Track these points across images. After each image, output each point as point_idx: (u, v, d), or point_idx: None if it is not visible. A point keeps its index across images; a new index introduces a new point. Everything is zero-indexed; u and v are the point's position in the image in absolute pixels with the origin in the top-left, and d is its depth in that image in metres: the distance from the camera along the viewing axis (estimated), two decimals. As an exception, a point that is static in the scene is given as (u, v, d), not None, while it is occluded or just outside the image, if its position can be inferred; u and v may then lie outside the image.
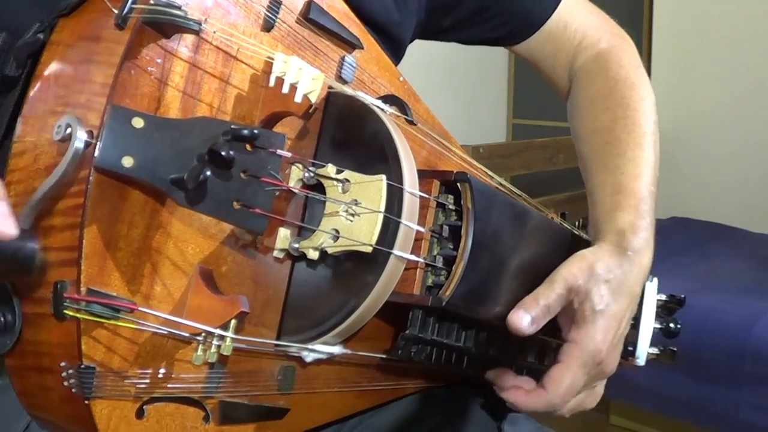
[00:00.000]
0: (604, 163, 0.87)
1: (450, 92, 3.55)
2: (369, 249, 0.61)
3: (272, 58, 0.62)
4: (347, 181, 0.63)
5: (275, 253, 0.65)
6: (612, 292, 0.74)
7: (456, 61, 3.53)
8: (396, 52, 0.90)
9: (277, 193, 0.58)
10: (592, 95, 0.95)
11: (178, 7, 0.55)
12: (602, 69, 0.95)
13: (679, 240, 2.77)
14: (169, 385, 0.60)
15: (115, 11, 0.54)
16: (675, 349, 0.99)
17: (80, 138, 0.52)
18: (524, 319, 0.71)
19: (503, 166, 2.75)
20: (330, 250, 0.62)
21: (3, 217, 0.49)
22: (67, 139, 0.52)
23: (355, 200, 0.62)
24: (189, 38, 0.58)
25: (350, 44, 0.70)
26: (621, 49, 0.98)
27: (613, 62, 0.96)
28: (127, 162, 0.53)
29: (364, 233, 0.61)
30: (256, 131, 0.55)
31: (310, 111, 0.62)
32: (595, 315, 0.73)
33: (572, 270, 0.73)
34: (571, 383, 0.73)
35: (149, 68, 0.56)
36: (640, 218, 0.79)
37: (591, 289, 0.73)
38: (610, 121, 0.89)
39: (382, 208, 0.61)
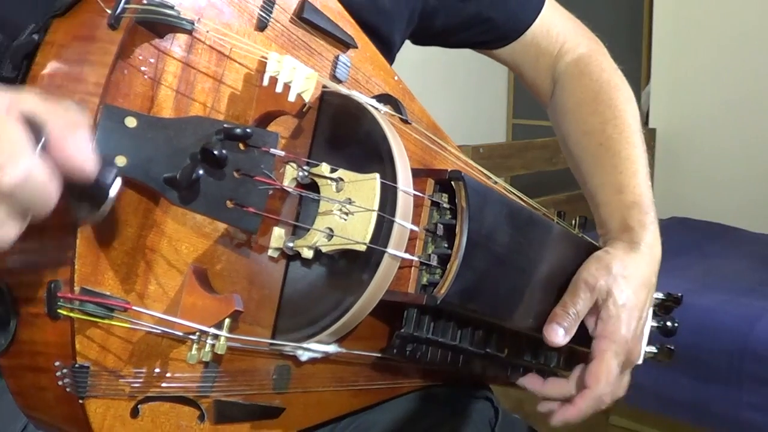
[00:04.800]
0: (601, 164, 0.92)
1: (450, 92, 3.55)
2: (363, 248, 0.61)
3: (266, 58, 0.62)
4: (341, 179, 0.63)
5: (270, 252, 0.65)
6: (631, 286, 0.79)
7: (456, 62, 3.52)
8: (389, 56, 0.91)
9: (271, 192, 0.58)
10: (578, 99, 0.99)
11: (171, 7, 0.55)
12: (585, 73, 1.00)
13: (679, 240, 2.76)
14: (163, 384, 0.60)
15: (109, 11, 0.54)
16: (672, 347, 0.99)
17: None
18: (559, 332, 0.77)
19: (503, 166, 2.74)
20: (324, 249, 0.62)
21: (82, 146, 0.46)
22: None
23: (349, 199, 0.62)
24: (182, 38, 0.58)
25: (344, 43, 0.70)
26: (599, 52, 1.03)
27: (595, 66, 1.00)
28: (120, 161, 0.53)
29: (358, 232, 0.61)
30: (248, 130, 0.55)
31: (304, 110, 0.62)
32: (618, 309, 0.78)
33: (591, 272, 0.79)
34: (608, 374, 0.78)
35: (142, 68, 0.56)
36: (644, 213, 0.86)
37: (611, 286, 0.78)
38: (600, 123, 0.94)
39: (376, 206, 0.61)
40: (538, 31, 1.02)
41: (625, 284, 0.79)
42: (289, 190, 0.64)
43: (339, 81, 0.69)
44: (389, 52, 0.90)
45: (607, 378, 0.78)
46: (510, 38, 1.02)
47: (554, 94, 1.04)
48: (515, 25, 1.01)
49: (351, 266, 0.63)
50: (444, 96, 3.47)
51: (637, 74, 3.67)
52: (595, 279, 0.78)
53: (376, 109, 0.67)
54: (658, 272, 0.85)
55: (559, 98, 1.02)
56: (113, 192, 0.49)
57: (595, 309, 0.79)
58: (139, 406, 0.59)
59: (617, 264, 0.80)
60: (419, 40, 1.01)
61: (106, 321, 0.55)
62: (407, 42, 0.97)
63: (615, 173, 0.89)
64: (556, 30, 1.02)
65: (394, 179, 0.62)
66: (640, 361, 0.91)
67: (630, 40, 3.69)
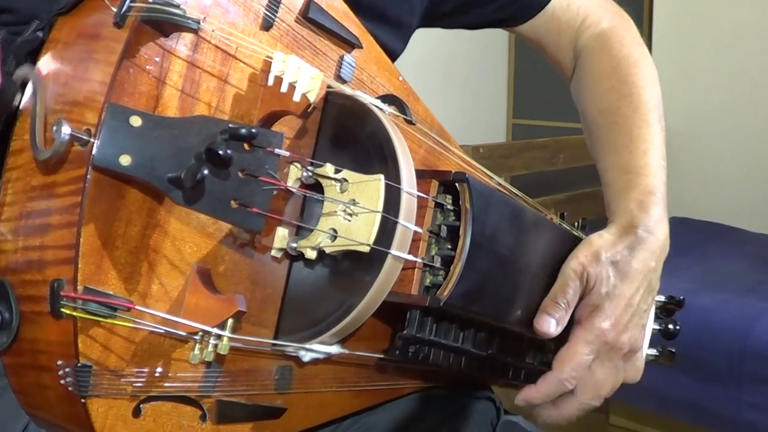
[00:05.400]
0: (612, 143, 0.89)
1: (450, 92, 3.55)
2: (367, 249, 0.61)
3: (271, 57, 0.62)
4: (345, 180, 0.63)
5: (273, 253, 0.64)
6: (619, 273, 0.76)
7: (456, 61, 3.52)
8: (402, 38, 0.90)
9: (275, 193, 0.58)
10: (596, 74, 0.96)
11: (177, 6, 0.55)
12: (605, 48, 0.97)
13: (679, 240, 2.75)
14: (165, 384, 0.60)
15: (114, 9, 0.54)
16: (674, 350, 0.99)
17: (65, 132, 0.52)
18: (550, 323, 0.75)
19: (503, 166, 2.74)
20: (328, 250, 0.62)
21: None
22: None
23: (353, 200, 0.62)
24: (188, 37, 0.58)
25: (349, 43, 0.70)
26: (623, 27, 1.00)
27: (616, 41, 0.97)
28: (125, 160, 0.53)
29: (361, 233, 0.61)
30: (254, 130, 0.55)
31: (309, 110, 0.62)
32: (601, 297, 0.76)
33: (579, 259, 0.76)
34: (576, 361, 0.76)
35: (148, 67, 0.56)
36: (649, 194, 0.82)
37: (599, 273, 0.76)
38: (616, 100, 0.91)
39: (380, 208, 0.61)
40: (558, 6, 1.00)
41: (614, 272, 0.76)
42: (294, 190, 0.64)
43: (343, 81, 0.69)
44: (402, 36, 0.88)
45: (572, 365, 0.76)
46: (528, 14, 1.00)
47: (575, 70, 1.01)
48: (532, 0, 0.99)
49: (354, 267, 0.63)
50: (444, 96, 3.46)
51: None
52: (583, 267, 0.76)
53: (381, 109, 0.67)
54: (661, 256, 0.81)
55: (580, 74, 0.99)
56: None
57: (582, 294, 0.77)
58: (141, 405, 0.59)
59: (608, 250, 0.77)
60: (434, 20, 0.99)
61: (109, 320, 0.55)
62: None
63: (624, 153, 0.86)
64: (577, 4, 1.00)
65: (398, 181, 0.62)
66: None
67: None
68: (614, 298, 0.76)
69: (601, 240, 0.78)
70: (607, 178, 0.87)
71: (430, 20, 0.98)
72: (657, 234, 0.80)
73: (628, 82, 0.91)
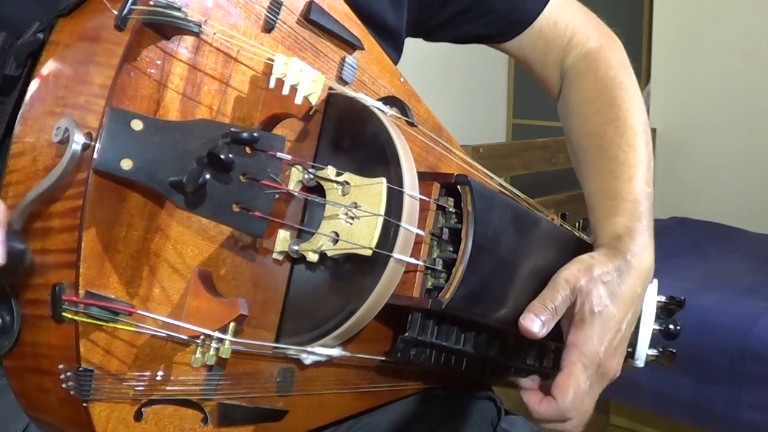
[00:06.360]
0: (598, 168, 0.88)
1: (450, 92, 3.55)
2: (369, 252, 0.61)
3: (272, 60, 0.61)
4: (347, 183, 0.63)
5: (275, 255, 0.64)
6: (609, 295, 0.75)
7: (456, 62, 3.53)
8: (396, 48, 0.90)
9: (277, 196, 0.58)
10: (583, 97, 0.95)
11: (178, 9, 0.55)
12: (592, 69, 0.96)
13: (679, 240, 2.77)
14: (167, 388, 0.60)
15: (115, 12, 0.54)
16: (674, 350, 0.99)
17: (77, 141, 0.52)
18: (535, 323, 0.73)
19: (503, 166, 2.74)
20: (329, 253, 0.62)
21: None
22: (66, 141, 0.52)
23: (355, 203, 0.62)
24: (189, 39, 0.58)
25: (351, 45, 0.70)
26: (610, 48, 0.99)
27: (602, 62, 0.96)
28: (126, 164, 0.52)
29: (363, 236, 0.61)
30: (255, 134, 0.54)
31: (311, 113, 0.62)
32: (593, 317, 0.74)
33: (573, 272, 0.75)
34: (576, 388, 0.73)
35: (149, 70, 0.56)
36: (636, 221, 0.81)
37: (591, 290, 0.74)
38: (602, 124, 0.90)
39: (382, 211, 0.61)
40: (545, 23, 0.99)
41: (605, 292, 0.75)
42: (295, 194, 0.64)
43: (345, 83, 0.69)
44: (397, 45, 0.88)
45: (574, 393, 0.73)
46: (516, 30, 0.99)
47: (561, 90, 1.01)
48: (519, 16, 0.98)
49: (356, 270, 0.63)
50: (444, 96, 3.47)
51: (637, 74, 3.65)
52: (576, 279, 0.74)
53: (382, 111, 0.67)
54: (646, 283, 0.80)
55: (566, 95, 0.99)
56: None
57: (571, 312, 0.75)
58: (142, 409, 0.59)
59: (599, 268, 0.75)
60: (422, 33, 0.98)
61: (111, 324, 0.55)
62: (406, 42, 0.96)
63: (611, 178, 0.85)
64: (564, 22, 0.99)
65: (401, 183, 0.62)
66: (641, 364, 0.91)
67: (630, 40, 3.67)
68: (605, 320, 0.74)
69: (592, 259, 0.77)
70: (593, 202, 0.86)
71: (419, 32, 0.98)
72: (643, 262, 0.79)
73: (614, 105, 0.91)
